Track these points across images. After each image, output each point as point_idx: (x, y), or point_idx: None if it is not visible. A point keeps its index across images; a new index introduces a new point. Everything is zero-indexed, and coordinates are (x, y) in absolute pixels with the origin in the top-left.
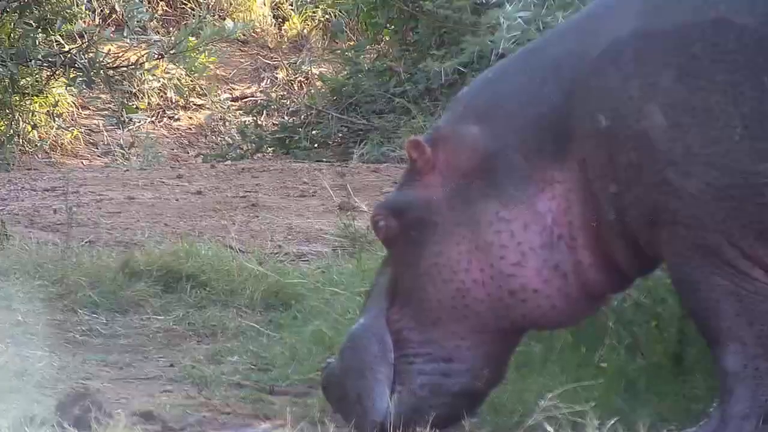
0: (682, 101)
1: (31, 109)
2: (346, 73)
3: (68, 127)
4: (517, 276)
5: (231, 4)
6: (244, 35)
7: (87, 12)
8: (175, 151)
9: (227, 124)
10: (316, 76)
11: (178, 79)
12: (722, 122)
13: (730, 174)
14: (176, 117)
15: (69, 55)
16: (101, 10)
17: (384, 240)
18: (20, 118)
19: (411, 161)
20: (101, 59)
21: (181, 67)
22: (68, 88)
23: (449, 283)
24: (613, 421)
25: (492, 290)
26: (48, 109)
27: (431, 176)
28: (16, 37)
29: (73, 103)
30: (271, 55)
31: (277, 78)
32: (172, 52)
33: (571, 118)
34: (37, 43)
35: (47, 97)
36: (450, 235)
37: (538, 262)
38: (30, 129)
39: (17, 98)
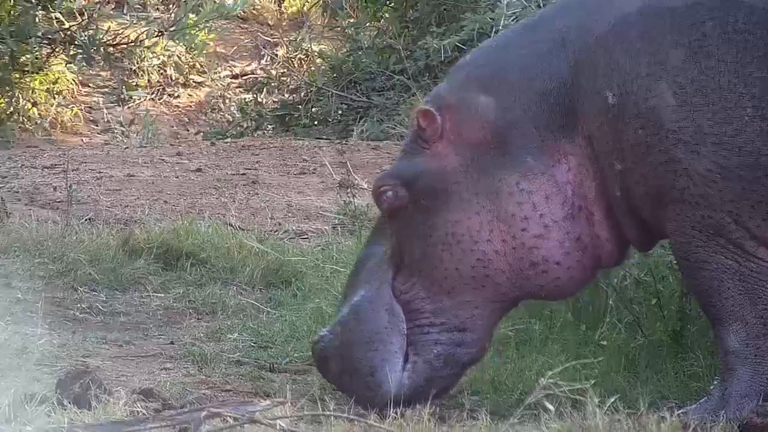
0: (691, 80)
1: (31, 86)
2: (346, 50)
3: (68, 105)
4: (540, 248)
5: None
6: (243, 12)
7: None
8: (174, 128)
9: (227, 101)
10: (316, 54)
11: (177, 56)
12: (732, 102)
13: (740, 154)
14: (176, 94)
15: (69, 33)
16: None
17: (388, 210)
18: (20, 96)
19: (419, 130)
20: (101, 37)
21: (181, 44)
22: (68, 65)
23: (469, 253)
24: (613, 399)
25: (513, 261)
26: (48, 86)
27: (440, 145)
28: (16, 14)
29: (73, 80)
30: (271, 32)
31: (277, 55)
32: (171, 29)
33: (578, 92)
34: (37, 20)
35: (47, 74)
36: (468, 204)
37: (560, 234)
38: (30, 106)
39: (17, 75)
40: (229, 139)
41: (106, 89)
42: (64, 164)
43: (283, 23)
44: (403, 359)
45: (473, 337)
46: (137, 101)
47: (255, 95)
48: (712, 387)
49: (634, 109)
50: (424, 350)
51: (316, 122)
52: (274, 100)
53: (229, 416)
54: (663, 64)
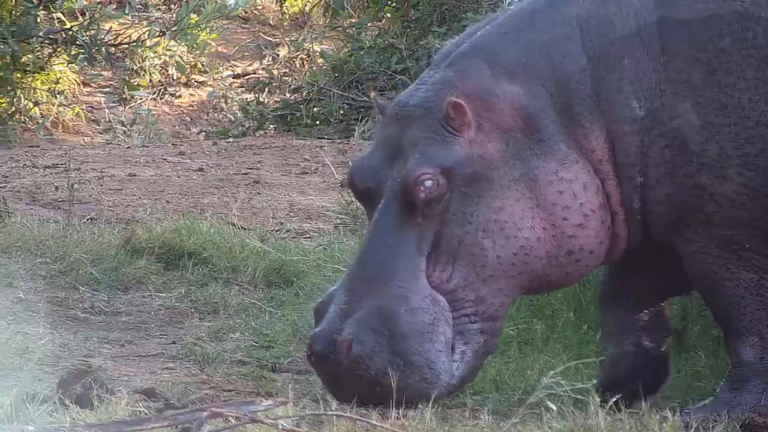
0: (712, 99)
1: (33, 86)
2: (347, 50)
3: (70, 105)
4: (579, 237)
5: None
6: (245, 12)
7: None
8: (176, 128)
9: (229, 101)
10: (317, 54)
11: (179, 56)
12: (754, 121)
13: (765, 173)
14: (178, 94)
15: (70, 32)
16: None
17: (426, 200)
18: (22, 95)
19: (448, 119)
20: (103, 36)
21: (183, 44)
22: (70, 65)
23: (513, 240)
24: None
25: (551, 249)
26: (49, 86)
27: (470, 133)
28: (18, 14)
29: (75, 80)
30: (273, 32)
31: (278, 55)
32: (173, 29)
33: (599, 88)
34: (39, 20)
35: (49, 74)
36: (508, 191)
37: (597, 223)
38: (32, 106)
39: (19, 75)
40: (231, 139)
41: (108, 89)
42: (65, 164)
43: (285, 23)
44: (450, 350)
45: (500, 326)
46: (139, 101)
47: (257, 95)
48: (719, 390)
49: (660, 127)
50: (472, 340)
51: (317, 122)
52: (276, 99)
53: (231, 416)
54: (686, 82)
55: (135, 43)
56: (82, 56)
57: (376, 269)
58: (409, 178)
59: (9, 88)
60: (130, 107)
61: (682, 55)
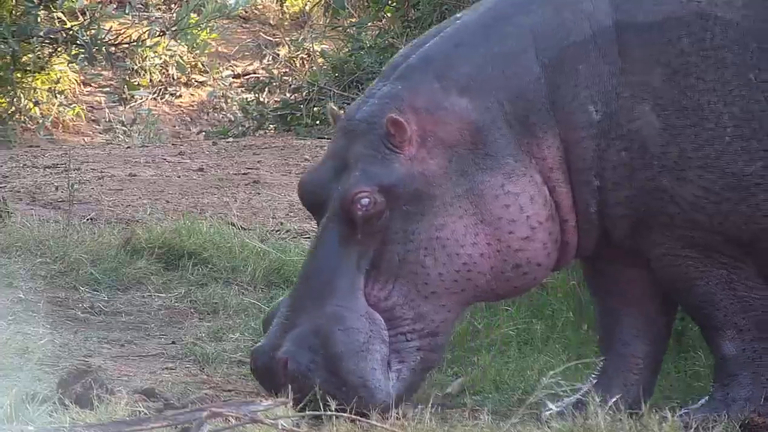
0: (672, 101)
1: (33, 86)
2: (347, 50)
3: (70, 104)
4: (526, 250)
5: None
6: (245, 12)
7: None
8: (176, 128)
9: (229, 101)
10: (317, 53)
11: (179, 56)
12: (713, 123)
13: (725, 176)
14: (178, 94)
15: (71, 32)
16: None
17: (364, 217)
18: (22, 95)
19: (389, 136)
20: (103, 36)
21: (183, 43)
22: (70, 65)
23: (455, 257)
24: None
25: (496, 264)
26: (50, 86)
27: (412, 149)
28: (18, 13)
29: (75, 80)
30: (273, 31)
31: (278, 55)
32: (173, 28)
33: (555, 96)
34: (39, 19)
35: (49, 74)
36: (451, 208)
37: (545, 235)
38: (32, 106)
39: (19, 75)
40: (230, 139)
41: (108, 89)
42: (65, 164)
43: (285, 23)
44: (388, 367)
45: (442, 342)
46: (139, 101)
47: (257, 95)
48: (712, 390)
49: (618, 130)
50: (408, 358)
51: (317, 122)
52: (276, 99)
53: (231, 416)
54: (645, 84)
55: (135, 43)
56: (82, 56)
57: (315, 285)
58: (347, 195)
59: (9, 88)
60: (130, 107)
61: (641, 57)
